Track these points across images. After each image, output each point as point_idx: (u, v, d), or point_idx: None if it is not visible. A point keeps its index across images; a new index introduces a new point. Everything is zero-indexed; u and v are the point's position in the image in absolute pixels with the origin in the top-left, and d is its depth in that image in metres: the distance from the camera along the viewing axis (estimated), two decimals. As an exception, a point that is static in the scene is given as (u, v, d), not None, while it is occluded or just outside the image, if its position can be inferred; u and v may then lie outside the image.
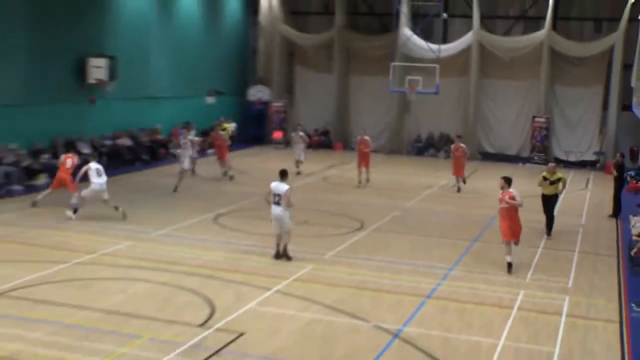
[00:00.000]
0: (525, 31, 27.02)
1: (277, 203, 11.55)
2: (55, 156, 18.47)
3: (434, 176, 23.75)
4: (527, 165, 25.94)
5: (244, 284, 11.33)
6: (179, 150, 19.47)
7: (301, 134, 22.87)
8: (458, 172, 20.50)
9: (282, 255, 12.02)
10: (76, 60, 20.60)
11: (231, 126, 25.47)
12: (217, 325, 9.21)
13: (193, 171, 20.60)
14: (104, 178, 14.18)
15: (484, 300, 10.91)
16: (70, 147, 18.78)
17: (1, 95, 17.75)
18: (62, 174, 14.69)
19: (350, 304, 10.50)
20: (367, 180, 20.72)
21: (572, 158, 26.07)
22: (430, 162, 27.18)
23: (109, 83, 21.09)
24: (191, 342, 8.47)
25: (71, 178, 14.60)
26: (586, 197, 21.41)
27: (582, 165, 25.99)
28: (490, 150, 27.69)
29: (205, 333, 8.91)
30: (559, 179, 14.50)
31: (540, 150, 26.36)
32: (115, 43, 22.38)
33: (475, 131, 27.45)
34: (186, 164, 18.83)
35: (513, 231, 11.66)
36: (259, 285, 11.26)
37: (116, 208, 14.38)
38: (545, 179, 14.42)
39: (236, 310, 9.96)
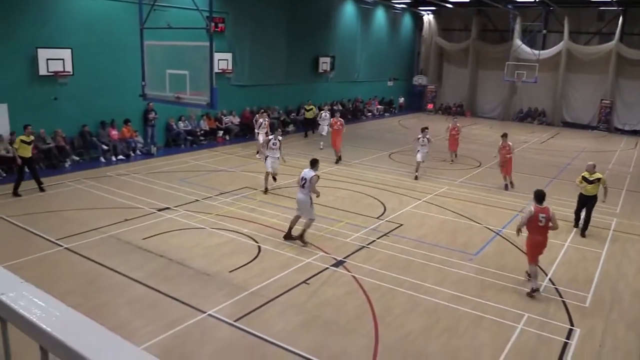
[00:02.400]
0: (600, 42, 30.90)
1: (302, 186, 10.34)
2: (299, 113, 26.44)
3: (529, 135, 27.76)
4: (594, 131, 30.67)
5: (404, 195, 14.60)
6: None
7: (327, 114, 21.66)
8: (507, 171, 16.03)
9: (295, 238, 10.38)
10: (313, 58, 27.65)
11: (313, 108, 24.63)
12: (387, 218, 12.39)
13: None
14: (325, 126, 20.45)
15: (557, 216, 12.40)
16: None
17: (269, 77, 24.66)
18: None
19: (469, 212, 13.25)
20: (453, 159, 19.45)
21: (627, 128, 30.45)
22: (527, 126, 32.18)
23: (330, 72, 28.67)
24: (371, 227, 11.71)
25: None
26: (634, 154, 23.60)
27: (633, 133, 30.04)
28: (569, 120, 32.67)
29: (380, 222, 12.06)
30: (598, 179, 11.70)
31: (604, 122, 30.98)
32: (334, 46, 28.94)
33: (560, 107, 32.66)
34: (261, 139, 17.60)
35: (538, 249, 8.73)
36: (413, 196, 14.47)
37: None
38: (584, 178, 11.85)
39: (399, 210, 13.09)
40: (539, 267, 9.20)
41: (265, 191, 14.12)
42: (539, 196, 8.72)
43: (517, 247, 10.89)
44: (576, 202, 12.30)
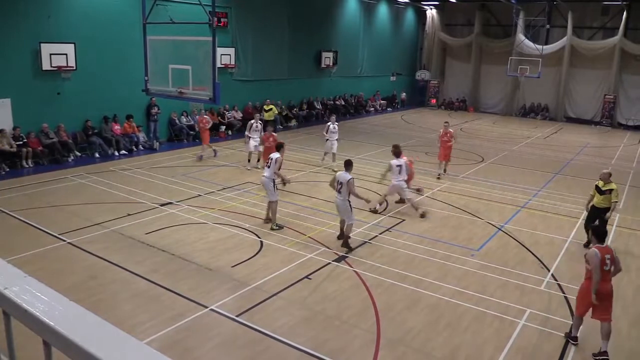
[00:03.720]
0: (604, 37, 30.80)
1: (339, 192, 9.94)
2: (301, 108, 26.53)
3: (532, 131, 27.61)
4: (597, 126, 30.64)
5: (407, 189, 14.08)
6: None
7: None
8: (445, 157, 15.96)
9: (343, 242, 10.14)
10: (315, 53, 27.68)
11: (273, 108, 22.38)
12: (389, 213, 12.43)
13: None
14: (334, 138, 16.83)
15: (559, 212, 13.09)
16: (310, 104, 26.86)
17: (272, 72, 24.77)
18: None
19: (472, 207, 13.20)
20: (441, 174, 16.37)
21: (630, 123, 30.38)
22: (530, 121, 32.03)
23: (333, 67, 28.61)
24: (374, 222, 11.74)
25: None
26: (637, 149, 23.48)
27: (637, 128, 29.91)
28: (572, 115, 32.62)
29: (382, 217, 12.11)
30: (611, 190, 10.34)
31: (607, 117, 30.89)
32: (337, 41, 28.93)
33: (563, 102, 32.61)
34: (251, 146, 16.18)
35: (605, 301, 6.76)
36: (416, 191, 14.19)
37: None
38: (596, 188, 10.54)
39: (401, 205, 13.02)
40: (542, 264, 9.19)
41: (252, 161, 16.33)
42: (601, 235, 7.02)
43: (519, 242, 10.93)
44: (586, 215, 10.82)
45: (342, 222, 10.30)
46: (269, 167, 10.75)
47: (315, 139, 22.14)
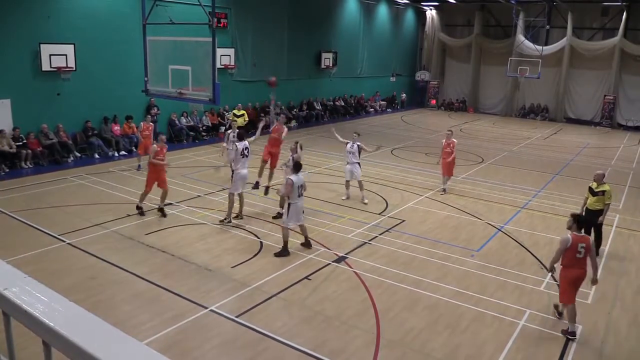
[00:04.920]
0: (604, 38, 30.82)
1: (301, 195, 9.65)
2: (301, 109, 26.58)
3: (531, 131, 27.64)
4: (597, 127, 30.67)
5: (406, 191, 14.60)
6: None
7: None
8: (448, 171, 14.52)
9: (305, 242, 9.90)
10: (315, 53, 27.70)
11: (245, 114, 20.72)
12: (389, 214, 12.40)
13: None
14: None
15: (558, 212, 13.08)
16: (310, 105, 26.90)
17: (271, 72, 23.45)
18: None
19: (471, 208, 13.20)
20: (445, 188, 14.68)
21: (630, 124, 30.36)
22: (530, 122, 32.01)
23: (333, 67, 28.60)
24: (374, 222, 11.72)
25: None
26: (637, 150, 23.52)
27: (637, 129, 29.95)
28: (572, 116, 32.64)
29: (382, 218, 12.07)
30: (604, 192, 10.02)
31: (607, 118, 30.93)
32: (337, 42, 28.91)
33: (563, 103, 32.64)
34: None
35: (577, 284, 7.25)
36: (415, 192, 14.47)
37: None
38: (589, 189, 10.26)
39: (401, 206, 13.08)
40: (542, 264, 9.19)
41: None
42: (582, 224, 7.31)
43: (519, 243, 10.92)
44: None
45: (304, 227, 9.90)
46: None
47: (315, 139, 22.20)
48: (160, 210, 11.52)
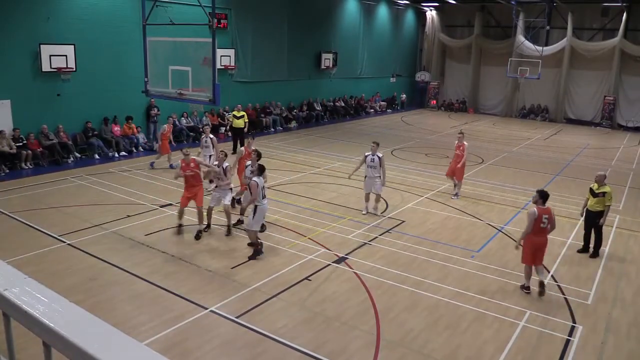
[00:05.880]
0: (604, 38, 30.83)
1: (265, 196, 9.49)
2: (301, 110, 26.53)
3: (532, 132, 27.68)
4: (597, 128, 30.73)
5: (406, 192, 14.58)
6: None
7: (211, 136, 14.66)
8: (458, 175, 14.13)
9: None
10: (315, 54, 27.66)
11: (245, 115, 19.63)
12: (389, 215, 12.38)
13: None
14: None
15: (559, 213, 12.84)
16: (310, 106, 26.99)
17: (271, 73, 24.88)
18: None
19: (471, 208, 13.20)
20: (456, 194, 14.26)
21: (630, 124, 30.38)
22: (530, 122, 32.08)
23: (333, 68, 28.64)
24: (374, 223, 11.70)
25: None
26: (637, 151, 23.48)
27: (637, 129, 29.92)
28: (572, 116, 32.64)
29: (382, 219, 12.06)
30: (604, 193, 10.01)
31: (607, 118, 30.96)
32: (337, 43, 28.93)
33: (563, 103, 32.69)
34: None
35: (539, 252, 8.39)
36: (415, 193, 14.44)
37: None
38: (590, 191, 10.27)
39: (401, 207, 13.08)
40: (544, 265, 9.16)
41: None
42: (544, 197, 8.40)
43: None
44: (583, 222, 10.52)
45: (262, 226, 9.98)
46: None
47: (315, 139, 22.20)
48: (205, 228, 10.69)
